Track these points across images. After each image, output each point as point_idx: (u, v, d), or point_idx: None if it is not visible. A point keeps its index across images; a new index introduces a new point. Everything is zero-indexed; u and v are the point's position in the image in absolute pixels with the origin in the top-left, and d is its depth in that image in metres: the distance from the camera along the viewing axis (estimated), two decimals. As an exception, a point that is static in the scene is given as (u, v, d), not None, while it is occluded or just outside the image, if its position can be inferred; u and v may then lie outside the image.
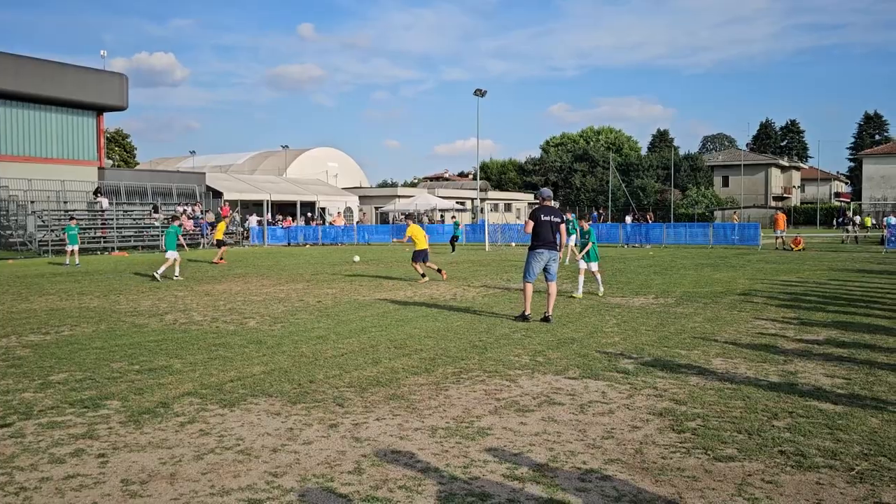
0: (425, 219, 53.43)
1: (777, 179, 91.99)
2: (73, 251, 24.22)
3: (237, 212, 43.46)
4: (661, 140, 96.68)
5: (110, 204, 36.70)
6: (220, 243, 25.63)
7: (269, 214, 46.38)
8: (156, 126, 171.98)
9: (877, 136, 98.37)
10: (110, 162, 59.67)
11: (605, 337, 9.00)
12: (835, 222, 58.97)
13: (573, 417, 5.51)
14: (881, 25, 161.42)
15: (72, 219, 26.88)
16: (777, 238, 30.96)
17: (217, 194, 44.38)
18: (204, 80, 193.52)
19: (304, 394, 6.26)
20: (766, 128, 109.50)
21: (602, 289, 13.84)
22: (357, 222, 52.35)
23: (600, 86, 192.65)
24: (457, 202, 61.79)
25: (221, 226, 27.01)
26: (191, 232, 36.52)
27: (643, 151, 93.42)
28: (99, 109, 38.68)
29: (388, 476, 4.29)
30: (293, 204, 49.96)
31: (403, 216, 20.28)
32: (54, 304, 12.94)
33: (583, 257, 13.71)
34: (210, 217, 38.99)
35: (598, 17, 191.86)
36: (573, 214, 34.91)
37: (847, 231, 39.26)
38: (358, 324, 10.22)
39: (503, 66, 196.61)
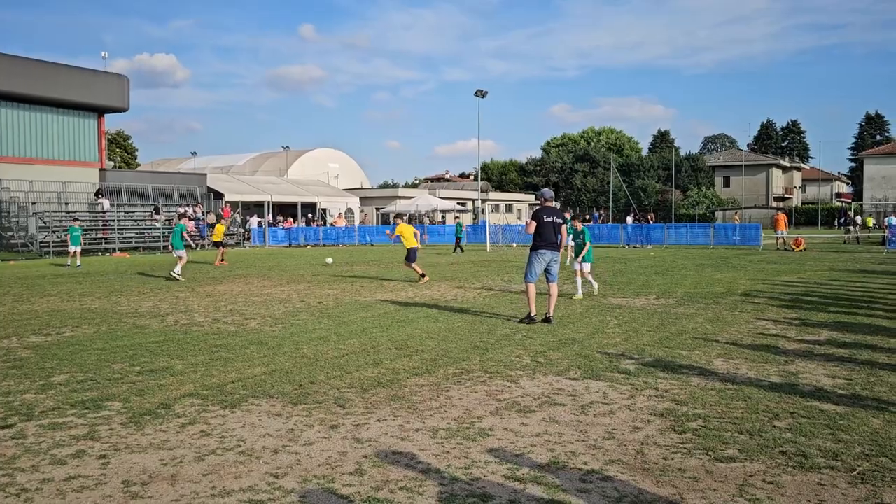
0: (426, 220, 53.43)
1: (778, 180, 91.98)
2: (75, 252, 24.26)
3: (238, 213, 43.48)
4: (662, 140, 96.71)
5: (111, 205, 36.73)
6: (218, 244, 25.34)
7: (271, 215, 46.42)
8: (157, 127, 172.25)
9: (878, 137, 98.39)
10: (111, 163, 59.73)
11: (606, 338, 8.99)
12: (836, 223, 58.98)
13: (574, 418, 5.51)
14: (881, 25, 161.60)
15: (75, 220, 26.92)
16: (778, 238, 30.95)
17: (218, 195, 44.40)
18: (205, 81, 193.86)
19: (306, 395, 6.26)
20: (767, 128, 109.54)
21: (596, 285, 13.78)
22: (360, 223, 52.37)
23: (601, 86, 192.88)
24: (458, 203, 61.78)
25: (220, 228, 26.59)
26: (192, 233, 36.54)
27: (644, 152, 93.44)
28: (100, 111, 38.72)
29: (390, 477, 4.29)
30: (294, 205, 49.99)
31: (394, 215, 20.09)
32: (56, 306, 12.95)
33: (582, 258, 13.55)
34: (211, 218, 39.02)
35: (598, 17, 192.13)
36: (569, 214, 34.86)
37: (848, 231, 39.23)
38: (359, 325, 10.22)
39: (503, 67, 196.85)
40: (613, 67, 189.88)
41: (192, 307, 12.50)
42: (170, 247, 19.93)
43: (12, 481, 4.28)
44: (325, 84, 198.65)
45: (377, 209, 59.86)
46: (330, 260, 21.59)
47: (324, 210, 52.14)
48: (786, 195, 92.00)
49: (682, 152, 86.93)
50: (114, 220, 35.64)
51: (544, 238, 10.19)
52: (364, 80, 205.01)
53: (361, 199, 58.69)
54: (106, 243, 34.16)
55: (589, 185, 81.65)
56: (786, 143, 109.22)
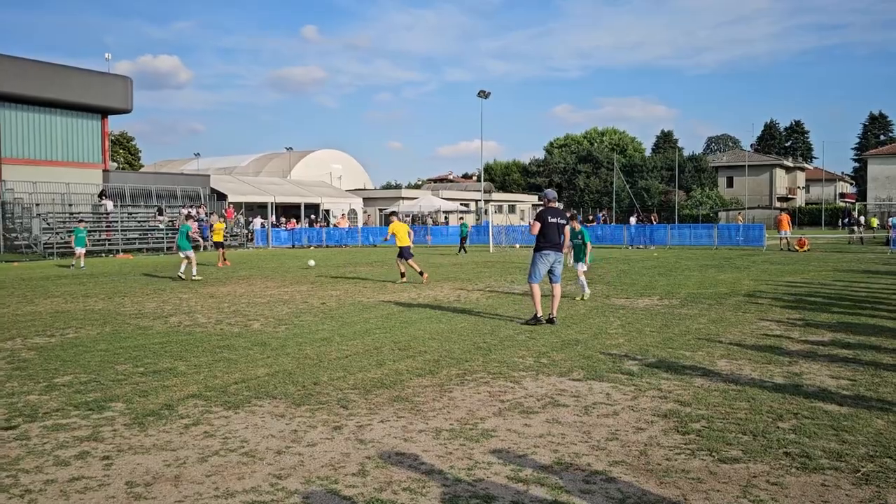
0: (429, 221, 53.45)
1: (782, 180, 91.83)
2: (80, 254, 24.36)
3: (241, 214, 43.53)
4: (665, 141, 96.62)
5: (115, 206, 36.81)
6: (218, 245, 25.24)
7: (274, 216, 46.46)
8: (160, 128, 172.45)
9: (882, 137, 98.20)
10: (115, 165, 59.82)
11: (609, 338, 8.99)
12: (840, 223, 58.85)
13: (577, 419, 5.50)
14: (882, 25, 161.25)
15: (80, 221, 26.99)
16: (782, 239, 30.89)
17: (221, 196, 44.45)
18: (207, 83, 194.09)
19: (309, 396, 6.26)
20: (770, 128, 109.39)
21: (587, 292, 13.14)
22: (363, 224, 52.39)
23: (603, 87, 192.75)
24: (461, 204, 61.81)
25: (219, 226, 26.23)
26: (195, 234, 36.57)
27: (647, 152, 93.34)
28: (103, 112, 38.79)
29: (393, 478, 4.29)
30: (297, 206, 50.02)
31: (388, 213, 19.84)
32: (59, 307, 12.97)
33: (581, 258, 13.39)
34: (215, 219, 39.07)
35: (599, 17, 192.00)
36: (568, 214, 34.75)
37: (852, 232, 39.14)
38: (362, 326, 10.23)
39: (505, 67, 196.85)
40: (615, 68, 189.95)
41: (195, 308, 12.52)
42: (175, 248, 20.04)
43: (16, 482, 4.28)
44: (327, 85, 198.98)
45: (380, 210, 59.90)
46: (312, 262, 21.20)
47: (327, 211, 52.18)
48: (789, 195, 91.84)
49: (686, 153, 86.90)
50: (117, 222, 35.71)
51: (548, 239, 10.20)
52: (366, 81, 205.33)
53: (364, 200, 58.73)
54: (109, 244, 34.23)
55: (592, 185, 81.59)
56: (789, 144, 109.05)
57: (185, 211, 37.85)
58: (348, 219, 50.92)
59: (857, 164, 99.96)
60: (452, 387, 6.56)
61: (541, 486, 4.14)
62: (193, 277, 18.57)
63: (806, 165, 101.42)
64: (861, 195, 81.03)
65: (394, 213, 19.20)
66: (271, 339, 9.13)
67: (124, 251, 33.94)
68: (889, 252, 28.16)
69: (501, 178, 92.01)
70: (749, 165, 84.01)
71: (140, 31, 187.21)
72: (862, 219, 44.35)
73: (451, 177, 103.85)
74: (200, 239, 35.89)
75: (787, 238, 30.72)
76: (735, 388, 6.32)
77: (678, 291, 14.22)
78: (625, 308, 11.84)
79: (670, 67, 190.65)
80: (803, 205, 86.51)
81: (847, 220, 47.04)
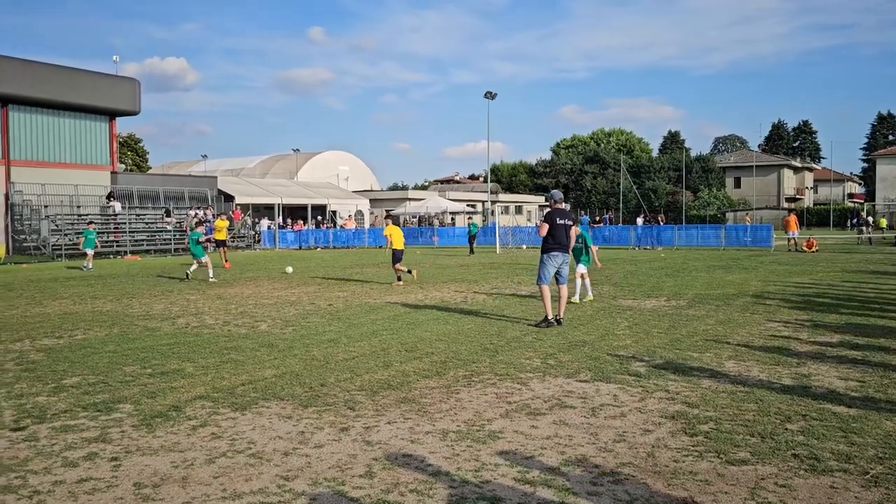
0: (436, 222, 53.47)
1: (790, 180, 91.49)
2: (90, 255, 24.58)
3: (249, 215, 43.64)
4: (673, 141, 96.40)
5: (123, 208, 36.96)
6: (220, 244, 24.94)
7: (281, 218, 46.55)
8: (167, 130, 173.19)
9: (890, 137, 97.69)
10: (123, 166, 60.07)
11: (616, 340, 8.97)
12: (849, 224, 58.56)
13: (585, 421, 5.49)
14: (889, 25, 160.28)
15: (90, 223, 27.18)
16: (790, 240, 30.77)
17: (229, 198, 44.58)
18: (214, 84, 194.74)
19: (316, 397, 6.27)
20: (778, 129, 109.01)
21: (578, 297, 12.70)
22: (370, 225, 52.44)
23: (610, 87, 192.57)
24: (467, 205, 61.80)
25: (220, 223, 25.51)
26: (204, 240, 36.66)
27: (654, 153, 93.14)
28: (112, 114, 38.97)
29: (400, 479, 4.29)
30: (304, 207, 50.12)
31: (384, 216, 19.65)
32: (67, 308, 13.03)
33: (581, 260, 13.17)
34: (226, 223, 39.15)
35: (605, 17, 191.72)
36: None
37: (861, 232, 38.95)
38: (369, 327, 10.24)
39: (512, 69, 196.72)
40: (622, 68, 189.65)
41: (202, 310, 12.55)
42: (191, 255, 20.11)
43: (25, 483, 4.31)
44: (334, 86, 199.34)
45: (387, 211, 59.93)
46: (290, 269, 21.06)
47: (334, 212, 52.26)
48: (797, 196, 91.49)
49: (693, 153, 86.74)
50: (125, 223, 35.86)
51: (556, 240, 10.21)
52: (372, 83, 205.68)
53: (371, 201, 58.79)
54: (117, 246, 34.36)
55: (599, 186, 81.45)
56: (797, 144, 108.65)
57: (192, 213, 37.97)
58: (355, 220, 50.97)
59: (865, 165, 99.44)
60: (459, 388, 6.56)
61: (548, 488, 4.13)
62: (210, 279, 18.66)
63: (814, 166, 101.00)
64: (870, 195, 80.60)
65: (389, 216, 19.24)
66: (278, 341, 9.14)
67: (132, 253, 34.07)
68: (898, 252, 27.99)
69: (508, 179, 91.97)
70: (757, 166, 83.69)
71: (147, 33, 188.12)
72: (870, 219, 44.10)
73: (457, 178, 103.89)
74: (209, 243, 35.99)
75: (794, 239, 30.59)
76: (743, 390, 6.30)
77: (686, 292, 14.18)
78: (632, 309, 11.81)
79: (677, 68, 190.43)
80: (811, 205, 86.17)
81: (856, 220, 46.79)
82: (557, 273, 10.33)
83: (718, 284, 15.68)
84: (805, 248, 29.19)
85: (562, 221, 10.26)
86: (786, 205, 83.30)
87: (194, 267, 19.14)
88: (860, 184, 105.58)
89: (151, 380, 7.00)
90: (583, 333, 9.45)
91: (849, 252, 29.14)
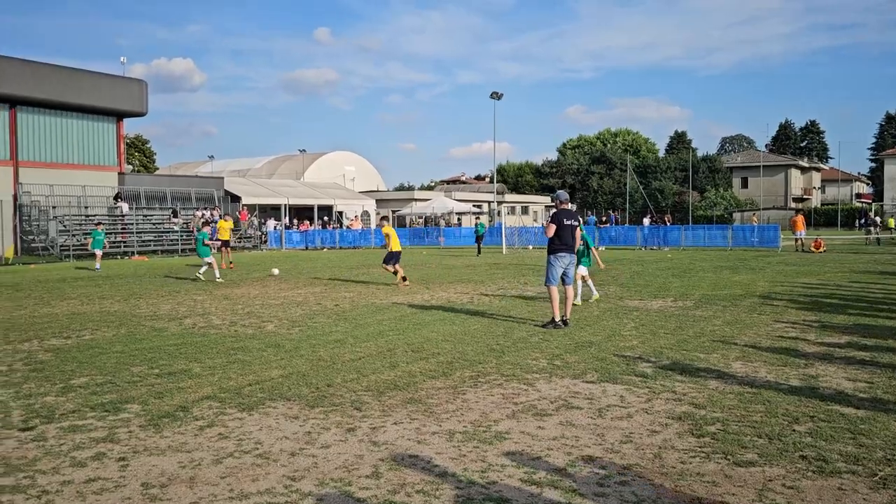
0: (442, 222, 53.46)
1: (797, 181, 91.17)
2: (98, 255, 24.76)
3: (255, 216, 43.73)
4: (679, 142, 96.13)
5: (130, 209, 37.10)
6: (224, 244, 24.47)
7: (287, 218, 46.64)
8: (174, 131, 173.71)
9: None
10: (130, 167, 60.26)
11: (623, 340, 8.95)
12: (857, 224, 58.31)
13: (591, 422, 5.48)
14: (893, 25, 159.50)
15: (98, 224, 27.38)
16: (797, 240, 30.65)
17: (235, 198, 44.69)
18: (220, 85, 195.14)
19: (322, 397, 6.28)
20: (785, 128, 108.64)
21: (579, 298, 12.54)
22: (377, 226, 52.46)
23: (616, 87, 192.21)
24: (474, 205, 61.81)
25: (223, 224, 25.05)
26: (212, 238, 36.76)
27: (661, 153, 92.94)
28: (119, 115, 39.14)
29: (406, 480, 4.30)
30: (311, 208, 50.22)
31: (380, 217, 19.26)
32: (75, 309, 13.08)
33: (582, 262, 13.07)
34: (230, 223, 39.22)
35: (610, 17, 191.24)
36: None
37: (869, 233, 38.77)
38: (375, 327, 10.25)
39: (517, 69, 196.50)
40: (627, 68, 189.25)
41: (209, 310, 12.59)
42: (198, 255, 20.15)
43: (33, 483, 4.33)
44: (339, 87, 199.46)
45: (393, 212, 59.97)
46: (276, 271, 20.90)
47: (340, 213, 52.33)
48: (805, 196, 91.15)
49: (700, 153, 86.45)
50: (132, 224, 35.99)
51: (563, 241, 10.20)
52: (378, 83, 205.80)
53: (377, 201, 58.85)
54: (125, 247, 34.49)
55: (605, 186, 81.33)
56: (804, 144, 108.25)
57: (199, 213, 38.08)
58: (361, 221, 51.03)
59: (873, 165, 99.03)
60: (466, 389, 6.56)
61: (555, 489, 4.13)
62: (217, 280, 18.72)
63: (821, 166, 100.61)
64: (877, 195, 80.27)
65: (384, 218, 19.15)
66: (285, 341, 9.16)
67: (139, 253, 34.19)
68: (906, 253, 27.85)
69: (514, 179, 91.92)
70: (764, 166, 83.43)
71: (154, 34, 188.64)
72: (879, 219, 43.90)
73: (463, 178, 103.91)
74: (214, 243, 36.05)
75: (801, 239, 30.48)
76: (750, 391, 6.28)
77: (692, 293, 14.14)
78: (638, 310, 11.79)
79: (683, 68, 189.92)
80: (819, 205, 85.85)
81: (863, 220, 46.60)
82: (564, 274, 10.33)
83: (725, 285, 15.63)
84: (813, 249, 29.06)
85: (569, 222, 10.25)
86: (793, 205, 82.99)
87: (204, 268, 19.17)
88: (868, 184, 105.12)
89: (159, 380, 7.03)
90: (589, 334, 9.44)
91: (857, 252, 29.01)
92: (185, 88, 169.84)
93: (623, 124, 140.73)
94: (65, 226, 32.92)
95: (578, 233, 10.56)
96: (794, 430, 5.14)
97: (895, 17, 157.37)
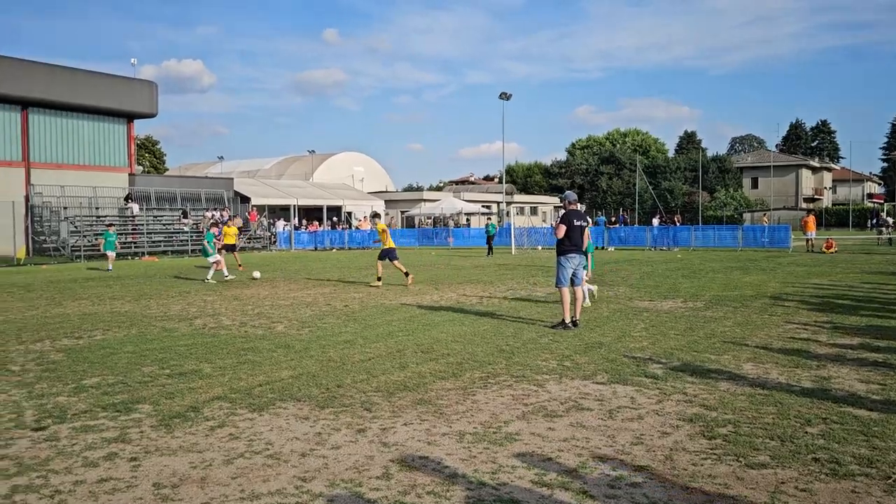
0: (451, 223, 53.47)
1: (808, 181, 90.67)
2: (111, 257, 24.95)
3: (264, 216, 43.85)
4: (689, 142, 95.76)
5: (141, 209, 37.28)
6: (231, 248, 23.65)
7: (296, 219, 46.75)
8: (184, 132, 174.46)
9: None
10: (140, 168, 60.55)
11: (633, 341, 8.93)
12: (869, 224, 57.93)
13: (602, 423, 5.47)
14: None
15: (110, 225, 27.57)
16: (808, 241, 30.49)
17: (245, 199, 44.85)
18: (230, 86, 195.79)
19: (332, 398, 6.29)
20: (796, 128, 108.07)
21: (595, 294, 12.88)
22: (370, 224, 52.49)
23: (625, 87, 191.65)
24: (482, 206, 61.80)
25: (228, 230, 24.32)
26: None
27: (670, 153, 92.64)
28: (129, 117, 39.35)
29: (417, 481, 4.30)
30: (320, 208, 50.32)
31: (371, 214, 18.99)
32: (87, 309, 13.15)
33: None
34: (238, 222, 39.32)
35: (620, 17, 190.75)
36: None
37: (881, 233, 38.51)
38: (385, 328, 10.25)
39: (526, 69, 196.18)
40: (637, 69, 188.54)
41: (219, 310, 12.63)
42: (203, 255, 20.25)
43: (46, 483, 4.35)
44: (348, 87, 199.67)
45: (402, 212, 60.03)
46: (257, 274, 20.65)
47: (349, 213, 52.41)
48: (816, 196, 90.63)
49: (709, 153, 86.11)
50: (143, 225, 36.17)
51: (573, 242, 10.19)
52: (386, 84, 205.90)
53: (386, 202, 58.92)
54: (135, 247, 34.67)
55: (615, 187, 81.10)
56: (815, 144, 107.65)
57: (209, 214, 38.21)
58: (370, 221, 51.02)
59: (885, 164, 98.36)
60: (476, 390, 6.55)
61: (565, 491, 4.12)
62: (225, 278, 18.79)
63: (833, 165, 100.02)
64: (890, 195, 79.76)
65: (376, 216, 19.04)
66: (295, 342, 9.18)
67: (150, 254, 34.35)
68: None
69: (523, 179, 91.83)
70: (774, 166, 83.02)
71: (164, 36, 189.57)
72: (890, 220, 43.60)
73: (472, 179, 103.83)
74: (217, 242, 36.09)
75: (812, 239, 30.31)
76: (762, 393, 6.25)
77: (703, 294, 14.09)
78: (649, 311, 11.75)
79: (693, 68, 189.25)
80: (830, 205, 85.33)
81: (875, 220, 46.29)
82: (574, 275, 10.31)
83: (736, 286, 15.57)
84: (824, 249, 28.91)
85: (578, 223, 10.24)
86: (804, 205, 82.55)
87: (211, 272, 19.15)
88: (880, 184, 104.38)
89: (170, 380, 7.05)
90: (599, 335, 9.42)
91: (868, 253, 28.82)
92: (195, 90, 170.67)
93: (632, 124, 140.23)
94: (76, 227, 33.11)
95: (587, 233, 10.56)
96: (806, 432, 5.11)
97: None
